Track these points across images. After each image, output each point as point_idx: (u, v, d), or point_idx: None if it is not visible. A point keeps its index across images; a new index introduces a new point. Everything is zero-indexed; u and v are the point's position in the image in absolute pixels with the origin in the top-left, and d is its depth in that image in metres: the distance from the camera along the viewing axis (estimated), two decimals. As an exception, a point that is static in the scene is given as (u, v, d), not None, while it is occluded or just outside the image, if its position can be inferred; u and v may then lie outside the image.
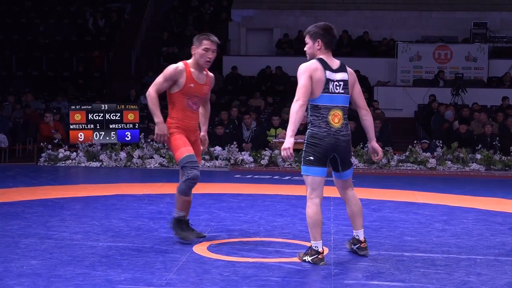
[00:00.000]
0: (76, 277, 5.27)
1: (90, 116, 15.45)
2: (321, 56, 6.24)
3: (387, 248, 6.52)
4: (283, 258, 6.04)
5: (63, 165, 14.84)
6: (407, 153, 14.94)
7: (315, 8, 25.77)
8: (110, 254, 6.05)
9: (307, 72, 6.11)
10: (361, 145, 14.89)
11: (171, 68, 6.78)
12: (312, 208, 6.04)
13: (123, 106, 15.69)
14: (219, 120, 17.58)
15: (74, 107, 15.75)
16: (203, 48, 6.79)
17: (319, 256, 5.90)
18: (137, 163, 14.73)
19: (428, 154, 14.88)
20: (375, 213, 8.77)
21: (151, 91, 6.72)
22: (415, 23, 25.14)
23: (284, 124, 16.44)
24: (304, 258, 5.96)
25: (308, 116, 6.18)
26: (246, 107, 20.06)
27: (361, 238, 6.28)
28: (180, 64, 6.77)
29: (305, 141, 6.11)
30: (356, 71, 22.32)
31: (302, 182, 11.97)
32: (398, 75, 23.16)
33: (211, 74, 7.00)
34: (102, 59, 24.26)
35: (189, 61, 6.87)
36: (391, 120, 19.68)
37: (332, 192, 10.65)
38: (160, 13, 26.83)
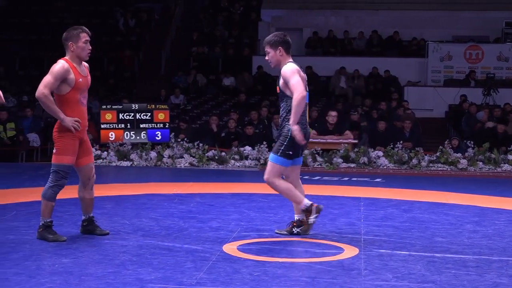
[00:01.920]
0: (107, 275, 5.30)
1: (120, 116, 15.53)
2: (291, 60, 6.91)
3: (417, 249, 6.48)
4: (312, 258, 6.03)
5: (94, 164, 14.89)
6: (437, 154, 14.84)
7: (345, 8, 25.70)
8: (141, 253, 6.08)
9: (296, 71, 6.75)
10: (391, 145, 14.82)
11: (58, 67, 6.65)
12: (281, 182, 6.85)
13: (153, 106, 15.76)
14: (248, 120, 17.59)
15: (105, 106, 15.84)
16: (83, 41, 6.81)
17: (314, 206, 6.88)
18: (167, 163, 14.79)
19: (459, 154, 14.78)
20: (405, 214, 8.72)
21: (45, 91, 6.54)
22: (446, 23, 24.96)
23: (313, 124, 16.43)
24: (309, 220, 6.85)
25: (286, 114, 6.80)
26: (276, 107, 20.03)
27: (303, 219, 7.01)
28: (64, 62, 6.68)
29: (289, 136, 6.74)
30: (387, 71, 22.32)
31: (332, 182, 12.01)
32: (428, 75, 23.02)
33: (85, 63, 7.00)
34: (132, 59, 24.39)
35: (67, 58, 6.78)
36: (422, 120, 19.56)
37: (362, 192, 10.64)
38: (190, 13, 26.90)
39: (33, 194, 9.72)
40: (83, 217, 6.95)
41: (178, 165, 14.71)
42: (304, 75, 6.92)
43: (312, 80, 22.91)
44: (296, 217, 7.08)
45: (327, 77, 23.17)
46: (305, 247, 6.52)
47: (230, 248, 6.36)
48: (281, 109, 6.91)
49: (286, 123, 6.78)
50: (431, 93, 21.94)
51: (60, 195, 9.59)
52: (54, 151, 6.71)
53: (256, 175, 13.25)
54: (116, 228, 7.30)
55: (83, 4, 26.71)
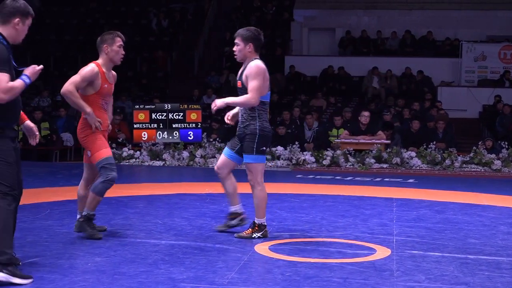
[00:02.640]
0: (139, 274, 5.33)
1: (153, 116, 15.61)
2: (257, 57, 6.93)
3: (450, 251, 6.44)
4: (344, 258, 6.01)
5: (127, 163, 15.02)
6: (471, 155, 14.72)
7: (378, 7, 25.59)
8: (173, 253, 6.11)
9: (263, 72, 6.80)
10: (425, 146, 14.73)
11: (87, 69, 6.73)
12: (264, 191, 6.87)
13: (186, 106, 15.82)
14: (281, 120, 17.59)
15: (137, 106, 15.93)
16: (117, 45, 6.88)
17: (266, 229, 6.87)
18: (199, 162, 14.83)
19: (493, 155, 14.65)
20: (438, 215, 8.67)
21: (70, 88, 6.67)
22: (480, 23, 24.72)
23: (345, 124, 16.38)
24: (253, 235, 6.77)
25: (250, 112, 6.79)
26: (308, 107, 20.02)
27: (241, 211, 7.16)
28: (94, 66, 6.73)
29: (257, 134, 6.76)
30: (420, 72, 22.16)
31: (364, 183, 11.97)
32: (462, 75, 22.83)
33: (113, 72, 7.05)
34: (165, 59, 24.49)
35: (100, 61, 6.84)
36: (455, 120, 19.41)
37: (394, 193, 10.59)
38: (223, 13, 26.95)
39: (67, 193, 9.82)
40: (79, 215, 6.91)
41: (210, 165, 14.73)
42: (268, 76, 6.95)
43: (344, 80, 22.88)
44: (232, 208, 7.16)
45: (360, 77, 23.09)
46: (337, 247, 6.51)
47: (262, 248, 6.36)
48: (242, 109, 6.90)
49: (251, 121, 6.79)
50: (464, 94, 21.76)
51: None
52: (88, 153, 6.70)
53: (288, 175, 13.25)
54: (148, 227, 7.33)
55: (117, 5, 26.88)
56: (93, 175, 6.88)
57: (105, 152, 6.67)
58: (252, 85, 6.68)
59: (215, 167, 7.20)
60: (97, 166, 6.64)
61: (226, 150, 7.11)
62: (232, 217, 7.14)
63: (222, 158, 7.11)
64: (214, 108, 6.86)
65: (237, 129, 6.99)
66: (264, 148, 6.87)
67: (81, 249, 6.14)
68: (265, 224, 6.89)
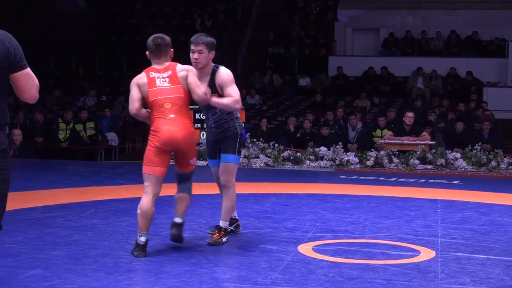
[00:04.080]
0: (183, 274, 5.36)
1: (197, 116, 15.67)
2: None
3: (496, 253, 6.36)
4: (388, 260, 5.98)
5: (172, 163, 15.05)
6: (518, 156, 14.54)
7: (423, 7, 25.43)
8: (216, 252, 6.13)
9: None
10: (470, 147, 14.58)
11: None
12: (234, 189, 6.74)
13: (229, 106, 15.83)
14: (324, 120, 17.55)
15: (181, 106, 15.99)
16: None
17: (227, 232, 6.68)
18: (243, 163, 14.86)
19: (541, 157, 14.45)
20: (484, 217, 8.57)
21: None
22: (527, 22, 24.44)
23: (389, 125, 16.29)
24: (223, 240, 6.49)
25: (228, 114, 6.69)
26: (352, 107, 19.94)
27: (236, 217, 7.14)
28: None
29: (238, 133, 6.76)
30: (468, 72, 21.90)
31: (408, 184, 11.88)
32: (509, 76, 22.55)
33: None
34: (209, 59, 24.54)
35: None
36: (501, 121, 19.20)
37: (439, 194, 10.50)
38: (266, 14, 26.97)
39: (112, 192, 9.92)
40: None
41: (254, 165, 14.76)
42: None
43: (388, 81, 22.75)
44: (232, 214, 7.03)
45: (404, 78, 22.95)
46: (381, 249, 6.47)
47: (305, 248, 6.36)
48: (217, 112, 6.65)
49: (230, 123, 6.72)
50: (511, 94, 21.49)
51: (138, 194, 9.76)
52: (193, 160, 6.55)
53: (332, 176, 13.21)
54: (192, 227, 7.37)
55: (162, 5, 27.06)
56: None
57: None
58: (233, 91, 6.54)
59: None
60: (190, 172, 6.59)
61: (211, 162, 7.00)
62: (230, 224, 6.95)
63: (213, 170, 7.02)
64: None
65: (211, 135, 6.82)
66: (241, 149, 6.89)
67: (126, 248, 6.18)
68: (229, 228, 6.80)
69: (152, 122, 6.13)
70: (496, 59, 23.06)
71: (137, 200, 9.14)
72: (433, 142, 15.08)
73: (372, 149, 15.05)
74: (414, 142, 14.64)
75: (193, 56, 6.69)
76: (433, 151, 14.60)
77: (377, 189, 11.14)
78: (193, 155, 6.44)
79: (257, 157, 14.93)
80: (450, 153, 14.56)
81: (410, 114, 15.13)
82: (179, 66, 6.38)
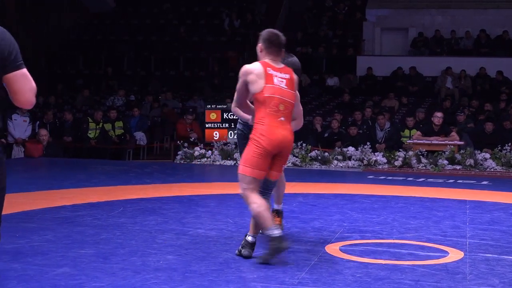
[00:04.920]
0: (210, 273, 5.36)
1: (225, 115, 15.71)
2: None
3: (526, 254, 6.31)
4: (416, 261, 5.94)
5: (199, 163, 15.15)
6: (548, 156, 14.39)
7: (452, 7, 25.27)
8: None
9: None
10: (499, 147, 14.46)
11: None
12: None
13: (257, 106, 15.84)
14: (352, 120, 17.50)
15: (209, 106, 16.06)
16: None
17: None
18: (270, 162, 14.84)
19: None
20: (513, 217, 8.50)
21: None
22: (557, 21, 24.19)
23: (418, 125, 16.20)
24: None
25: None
26: (380, 107, 19.86)
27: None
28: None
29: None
30: (499, 72, 21.68)
31: (437, 184, 11.82)
32: (538, 75, 22.34)
33: None
34: (237, 59, 24.62)
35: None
36: (531, 122, 18.99)
37: (468, 195, 10.42)
38: (294, 13, 26.94)
39: (139, 192, 9.96)
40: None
41: (281, 165, 14.73)
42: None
43: (417, 80, 22.63)
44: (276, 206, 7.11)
45: (433, 77, 22.82)
46: (409, 249, 6.44)
47: (333, 248, 6.34)
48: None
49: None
50: (541, 94, 21.29)
51: (166, 193, 9.82)
52: (284, 166, 6.23)
53: (359, 176, 13.17)
54: (219, 226, 7.38)
55: (190, 5, 27.13)
56: None
57: None
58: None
59: None
60: (276, 181, 6.21)
61: None
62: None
63: None
64: None
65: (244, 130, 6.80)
66: None
67: (153, 247, 6.20)
68: None
69: (259, 118, 5.78)
70: (526, 58, 22.87)
71: (164, 199, 9.22)
72: (462, 143, 14.97)
73: (400, 149, 14.98)
74: (443, 142, 14.55)
75: None
76: (461, 151, 14.50)
77: (405, 190, 11.09)
78: (286, 161, 6.15)
79: (285, 156, 14.90)
80: (479, 154, 14.45)
81: (439, 114, 15.04)
82: (294, 74, 6.10)
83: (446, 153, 14.28)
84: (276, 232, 5.61)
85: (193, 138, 16.27)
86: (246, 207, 8.68)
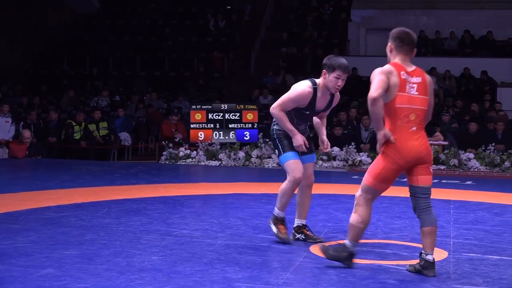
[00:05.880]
0: (195, 273, 5.36)
1: (210, 116, 15.70)
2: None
3: (509, 254, 6.34)
4: (401, 261, 5.96)
5: (183, 163, 15.14)
6: (531, 156, 14.48)
7: (437, 7, 25.32)
8: (228, 252, 6.13)
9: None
10: (483, 147, 14.52)
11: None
12: None
13: (242, 106, 15.87)
14: (337, 121, 17.52)
15: (194, 106, 16.05)
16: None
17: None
18: (255, 163, 14.87)
19: (554, 157, 14.38)
20: (497, 217, 8.54)
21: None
22: (542, 22, 24.28)
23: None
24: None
25: None
26: (365, 108, 19.89)
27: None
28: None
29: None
30: (484, 72, 21.73)
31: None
32: (523, 76, 22.44)
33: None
34: (222, 59, 24.60)
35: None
36: (515, 122, 19.09)
37: (452, 195, 10.46)
38: (280, 14, 26.95)
39: (124, 192, 9.95)
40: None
41: (266, 165, 14.76)
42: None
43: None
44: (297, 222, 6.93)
45: (417, 78, 22.86)
46: (393, 249, 6.46)
47: (317, 249, 6.34)
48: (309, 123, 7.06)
49: None
50: (525, 95, 21.38)
51: (151, 193, 9.80)
52: (431, 168, 5.82)
53: (344, 176, 13.19)
54: (204, 227, 7.38)
55: (175, 6, 27.09)
56: None
57: None
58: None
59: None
60: (430, 186, 5.84)
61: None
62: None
63: (301, 166, 6.81)
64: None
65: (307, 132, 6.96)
66: None
67: (138, 248, 6.20)
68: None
69: (390, 131, 5.45)
70: (510, 59, 22.93)
71: (149, 199, 9.21)
72: (446, 143, 15.02)
73: (385, 150, 15.00)
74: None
75: (338, 82, 6.67)
76: (446, 151, 14.55)
77: (389, 190, 11.05)
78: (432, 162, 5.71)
79: (270, 157, 14.93)
80: (463, 154, 14.51)
81: (423, 114, 15.05)
82: (427, 74, 5.81)
83: (431, 153, 14.30)
84: (356, 248, 5.65)
85: (178, 139, 16.26)
86: (231, 207, 8.71)
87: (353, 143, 15.03)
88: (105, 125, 17.53)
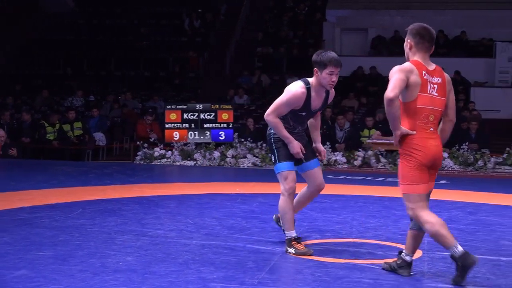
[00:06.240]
0: (170, 274, 5.35)
1: (185, 116, 15.68)
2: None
3: (482, 252, 6.38)
4: (375, 259, 5.98)
5: (159, 163, 15.10)
6: (504, 156, 14.59)
7: (412, 7, 25.44)
8: (203, 252, 6.12)
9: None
10: (457, 147, 14.62)
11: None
12: None
13: (217, 106, 15.87)
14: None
15: (169, 106, 16.02)
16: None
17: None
18: (230, 163, 14.86)
19: (527, 156, 14.51)
20: (470, 216, 8.60)
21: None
22: (514, 23, 24.49)
23: (377, 125, 16.32)
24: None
25: None
26: (340, 107, 19.96)
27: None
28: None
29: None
30: (457, 72, 21.90)
31: (396, 184, 11.87)
32: (496, 76, 22.62)
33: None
34: (197, 59, 24.57)
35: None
36: (489, 121, 19.24)
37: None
38: (255, 14, 26.96)
39: (99, 192, 9.90)
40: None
41: (241, 165, 14.76)
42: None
43: (377, 81, 22.78)
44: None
45: (392, 78, 22.96)
46: (368, 248, 6.48)
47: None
48: (306, 125, 6.79)
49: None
50: (498, 94, 21.57)
51: (126, 194, 9.76)
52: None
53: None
54: (179, 227, 7.36)
55: (151, 6, 27.01)
56: None
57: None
58: None
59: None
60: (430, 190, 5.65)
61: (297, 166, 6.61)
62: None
63: (293, 175, 6.49)
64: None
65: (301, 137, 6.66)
66: None
67: (113, 248, 6.17)
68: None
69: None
70: (484, 59, 23.12)
71: (124, 200, 9.17)
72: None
73: (359, 149, 15.08)
74: (402, 142, 14.64)
75: (332, 78, 6.48)
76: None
77: (364, 189, 11.16)
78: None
79: (245, 157, 14.94)
80: (437, 153, 14.58)
81: (398, 114, 15.13)
82: (445, 73, 5.70)
83: (405, 152, 14.38)
84: (459, 249, 5.20)
85: (153, 139, 16.23)
86: (206, 207, 8.70)
87: (328, 143, 15.07)
88: (80, 125, 17.45)
